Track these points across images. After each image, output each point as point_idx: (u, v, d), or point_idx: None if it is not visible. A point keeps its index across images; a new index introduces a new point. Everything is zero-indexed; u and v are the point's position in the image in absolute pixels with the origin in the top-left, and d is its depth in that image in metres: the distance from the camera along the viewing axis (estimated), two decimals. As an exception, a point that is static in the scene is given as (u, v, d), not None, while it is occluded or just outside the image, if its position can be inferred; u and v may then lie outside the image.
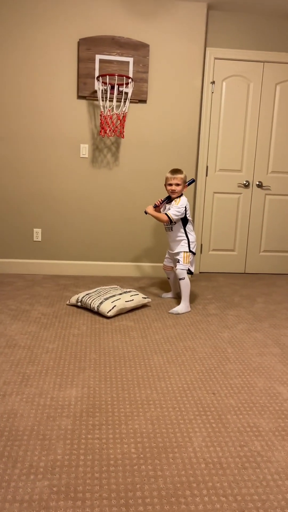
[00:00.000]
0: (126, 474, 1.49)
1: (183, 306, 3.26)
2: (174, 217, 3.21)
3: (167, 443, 1.68)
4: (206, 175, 4.35)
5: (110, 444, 1.65)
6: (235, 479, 1.49)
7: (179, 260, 3.28)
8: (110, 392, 2.04)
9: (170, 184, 3.26)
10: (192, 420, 1.84)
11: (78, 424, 1.77)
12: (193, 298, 3.61)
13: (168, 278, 3.61)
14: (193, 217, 4.34)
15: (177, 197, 3.28)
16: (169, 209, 3.26)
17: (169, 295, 3.64)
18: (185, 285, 3.26)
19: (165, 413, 1.89)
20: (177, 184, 3.24)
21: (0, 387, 2.03)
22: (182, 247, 3.29)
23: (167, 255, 3.50)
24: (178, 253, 3.31)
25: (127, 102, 3.78)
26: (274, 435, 1.76)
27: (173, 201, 3.28)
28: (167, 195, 3.34)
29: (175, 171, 3.27)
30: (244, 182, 4.39)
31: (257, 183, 4.41)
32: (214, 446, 1.67)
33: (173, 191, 3.26)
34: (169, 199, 3.32)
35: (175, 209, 3.22)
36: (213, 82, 4.18)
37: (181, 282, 3.26)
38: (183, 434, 1.74)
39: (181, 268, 3.26)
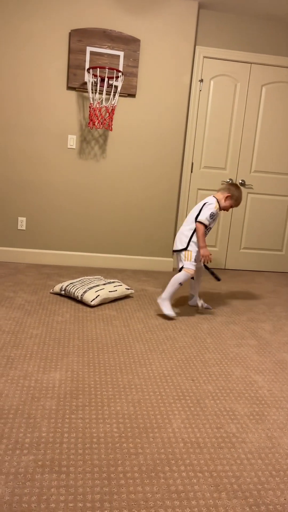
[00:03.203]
0: (108, 451, 1.56)
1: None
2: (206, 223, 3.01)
3: (147, 424, 1.75)
4: (191, 171, 4.44)
5: (93, 424, 1.72)
6: (211, 457, 1.58)
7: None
8: (93, 376, 2.10)
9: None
10: (172, 404, 1.92)
11: (62, 405, 1.83)
12: (174, 290, 3.70)
13: (192, 278, 3.21)
14: (176, 212, 4.42)
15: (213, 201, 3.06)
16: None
17: (195, 300, 3.32)
18: None
19: (146, 396, 1.96)
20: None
21: (-15, 369, 2.07)
22: None
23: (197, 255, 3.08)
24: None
25: (116, 95, 3.83)
26: (248, 419, 1.86)
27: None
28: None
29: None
30: (228, 180, 4.49)
31: (240, 181, 4.52)
32: (192, 427, 1.76)
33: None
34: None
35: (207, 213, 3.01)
36: (201, 80, 4.26)
37: None
38: (163, 416, 1.81)
39: None
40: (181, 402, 1.94)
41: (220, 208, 3.07)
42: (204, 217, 2.99)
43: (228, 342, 2.68)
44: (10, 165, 4.03)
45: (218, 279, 3.12)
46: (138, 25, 3.93)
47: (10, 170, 4.04)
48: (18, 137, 3.99)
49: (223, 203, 3.07)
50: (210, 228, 3.09)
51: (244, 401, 2.00)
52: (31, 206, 4.14)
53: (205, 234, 3.04)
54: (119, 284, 3.38)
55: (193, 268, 3.04)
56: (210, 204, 3.02)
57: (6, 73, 3.85)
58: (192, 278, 3.16)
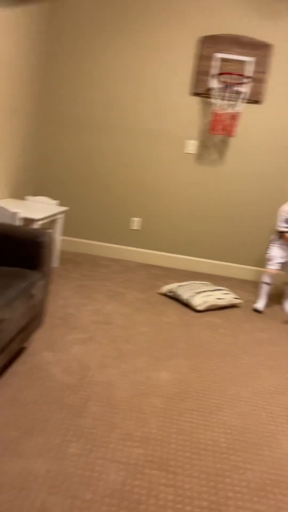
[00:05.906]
0: (215, 460, 1.54)
1: None
2: None
3: (256, 440, 1.69)
4: (313, 183, 4.19)
5: (200, 430, 1.71)
6: None
7: None
8: (200, 382, 2.09)
9: None
10: (284, 424, 1.83)
11: (170, 405, 1.85)
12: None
13: (268, 284, 3.33)
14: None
15: None
16: None
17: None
18: None
19: (254, 411, 1.90)
20: None
21: (100, 359, 2.18)
22: None
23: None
24: None
25: (242, 102, 3.77)
26: None
27: None
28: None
29: None
30: None
31: None
32: (304, 453, 1.66)
33: None
34: None
35: None
36: None
37: None
38: (272, 435, 1.74)
39: None
40: (292, 424, 1.84)
41: None
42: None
43: None
44: (130, 166, 4.20)
45: None
46: (271, 30, 3.82)
47: (129, 172, 4.22)
48: (140, 140, 4.15)
49: None
50: None
51: None
52: (146, 207, 4.27)
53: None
54: (228, 292, 3.33)
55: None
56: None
57: (134, 79, 4.03)
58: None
